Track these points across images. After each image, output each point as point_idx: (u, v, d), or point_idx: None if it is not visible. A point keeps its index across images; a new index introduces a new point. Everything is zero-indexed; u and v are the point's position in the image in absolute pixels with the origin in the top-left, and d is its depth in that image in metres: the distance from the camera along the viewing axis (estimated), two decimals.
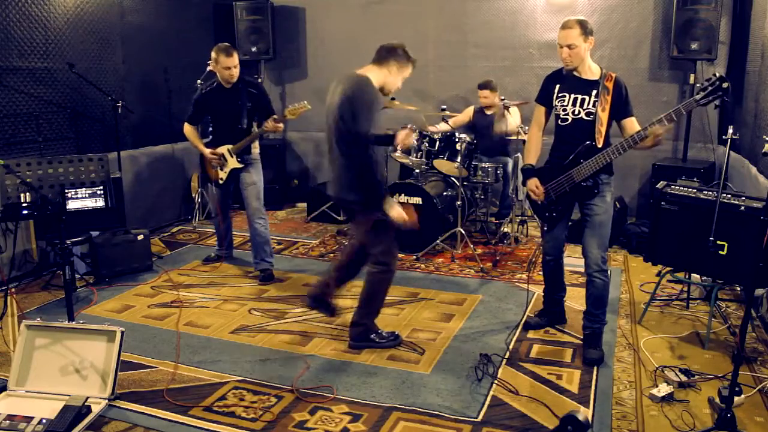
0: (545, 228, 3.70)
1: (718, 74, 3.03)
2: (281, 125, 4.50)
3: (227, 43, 4.60)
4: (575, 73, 3.41)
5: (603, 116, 3.32)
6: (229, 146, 4.62)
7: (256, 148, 4.73)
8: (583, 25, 3.27)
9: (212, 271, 4.95)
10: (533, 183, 3.53)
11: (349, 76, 3.37)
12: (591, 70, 3.40)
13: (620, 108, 3.35)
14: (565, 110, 3.42)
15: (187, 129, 4.74)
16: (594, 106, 3.33)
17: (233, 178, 4.72)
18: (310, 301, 3.66)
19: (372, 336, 3.58)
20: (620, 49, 6.08)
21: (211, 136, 4.77)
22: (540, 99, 3.58)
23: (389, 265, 3.48)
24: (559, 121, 3.47)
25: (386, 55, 3.40)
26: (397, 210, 3.33)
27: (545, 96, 3.54)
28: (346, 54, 6.90)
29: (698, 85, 3.16)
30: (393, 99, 5.54)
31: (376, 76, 3.36)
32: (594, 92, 3.34)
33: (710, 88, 3.02)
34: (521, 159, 3.73)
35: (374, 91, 3.28)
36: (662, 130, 3.09)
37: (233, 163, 4.63)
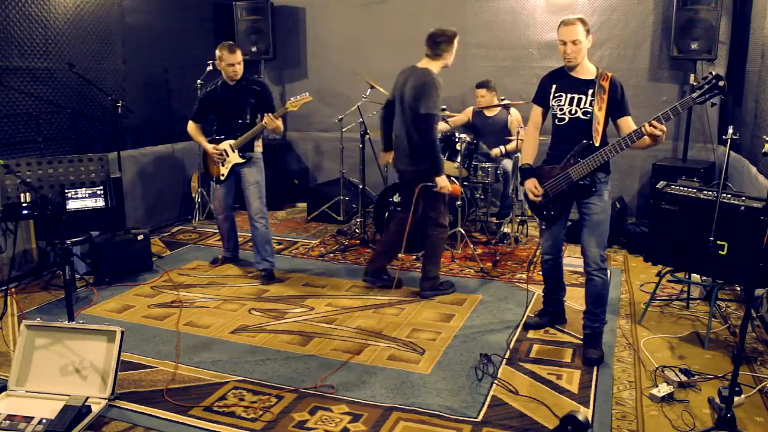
0: (543, 227, 3.71)
1: (714, 72, 3.04)
2: (279, 122, 4.49)
3: (231, 41, 4.65)
4: (572, 72, 3.42)
5: (600, 115, 3.33)
6: (231, 141, 4.63)
7: (258, 147, 4.73)
8: (583, 21, 3.32)
9: (212, 270, 4.96)
10: (531, 183, 3.53)
11: (414, 69, 4.14)
12: (587, 70, 3.41)
13: (616, 107, 3.36)
14: (562, 110, 3.42)
15: (191, 126, 4.80)
16: (591, 105, 3.34)
17: (235, 175, 4.73)
18: (369, 278, 4.53)
19: (438, 285, 4.41)
20: (620, 50, 6.08)
21: (214, 135, 4.77)
22: (536, 99, 3.60)
23: (445, 227, 4.38)
24: (557, 121, 3.47)
25: (440, 47, 4.07)
26: (443, 179, 4.12)
27: (542, 96, 3.55)
28: (346, 54, 6.92)
29: (695, 83, 3.17)
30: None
31: (435, 66, 4.10)
32: (590, 91, 3.35)
33: (707, 87, 3.03)
34: (520, 159, 3.74)
35: (437, 80, 4.04)
36: (658, 131, 3.09)
37: (235, 158, 4.64)
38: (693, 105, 3.11)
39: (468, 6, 6.54)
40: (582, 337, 3.58)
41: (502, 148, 5.68)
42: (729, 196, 3.58)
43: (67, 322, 3.20)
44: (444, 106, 5.83)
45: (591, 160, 3.30)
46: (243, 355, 3.51)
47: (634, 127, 3.27)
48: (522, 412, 2.92)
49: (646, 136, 3.13)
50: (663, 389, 3.02)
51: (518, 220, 5.73)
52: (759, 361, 3.39)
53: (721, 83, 2.98)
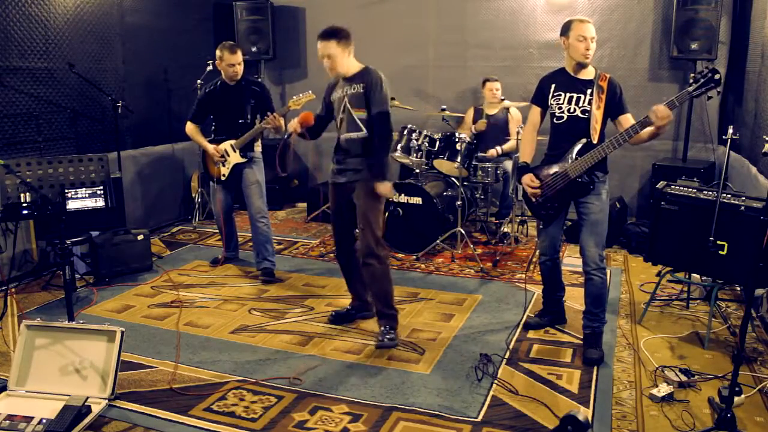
0: (541, 226, 3.71)
1: (710, 66, 3.06)
2: (282, 120, 4.48)
3: (231, 41, 4.65)
4: (571, 73, 3.43)
5: (598, 114, 3.34)
6: (232, 142, 4.63)
7: (258, 147, 4.74)
8: None
9: (212, 271, 4.95)
10: (528, 177, 3.54)
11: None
12: (587, 71, 3.43)
13: (615, 106, 3.38)
14: (560, 108, 3.44)
15: (189, 127, 4.78)
16: (589, 103, 3.36)
17: (236, 175, 4.72)
18: None
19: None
20: (620, 49, 6.08)
21: (213, 135, 4.77)
22: (535, 99, 3.61)
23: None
24: (555, 119, 3.48)
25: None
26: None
27: (540, 96, 3.56)
28: None
29: (692, 75, 3.20)
30: (393, 99, 5.53)
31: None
32: (589, 91, 3.37)
33: (702, 80, 3.05)
34: (519, 158, 3.75)
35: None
36: (664, 118, 3.06)
37: (236, 158, 4.64)
38: (690, 98, 3.12)
39: (468, 6, 6.54)
40: (582, 337, 3.58)
41: (498, 148, 5.68)
42: (729, 196, 3.58)
43: (67, 322, 3.20)
44: (444, 106, 5.84)
45: (589, 156, 3.31)
46: (243, 355, 3.51)
47: (634, 122, 3.28)
48: (522, 412, 2.92)
49: (648, 127, 3.13)
50: (663, 389, 3.02)
51: (518, 220, 5.73)
52: (759, 361, 3.39)
53: (716, 76, 3.02)
